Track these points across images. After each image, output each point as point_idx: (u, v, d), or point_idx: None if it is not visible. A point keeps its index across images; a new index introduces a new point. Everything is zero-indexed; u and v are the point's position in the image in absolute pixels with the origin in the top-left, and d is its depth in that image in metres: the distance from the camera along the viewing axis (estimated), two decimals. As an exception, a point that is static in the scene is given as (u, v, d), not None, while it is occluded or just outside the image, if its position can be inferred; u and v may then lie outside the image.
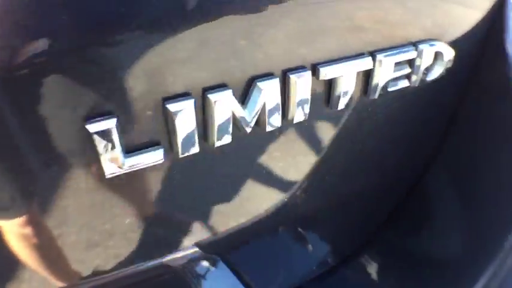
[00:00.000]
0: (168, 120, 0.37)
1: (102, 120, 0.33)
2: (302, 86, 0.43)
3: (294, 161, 0.52)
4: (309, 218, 0.68)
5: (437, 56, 0.53)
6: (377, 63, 0.48)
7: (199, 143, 0.39)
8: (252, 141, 0.45)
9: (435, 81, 0.55)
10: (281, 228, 0.67)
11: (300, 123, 0.46)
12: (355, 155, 0.59)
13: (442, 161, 0.71)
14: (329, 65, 0.44)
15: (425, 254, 0.72)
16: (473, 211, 0.67)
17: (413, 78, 0.53)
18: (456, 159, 0.69)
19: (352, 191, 0.66)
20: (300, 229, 0.69)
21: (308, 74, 0.43)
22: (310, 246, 0.72)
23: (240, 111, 0.40)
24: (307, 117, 0.45)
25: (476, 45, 0.57)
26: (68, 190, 0.36)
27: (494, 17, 0.55)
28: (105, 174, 0.35)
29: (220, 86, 0.38)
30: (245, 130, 0.41)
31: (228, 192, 0.49)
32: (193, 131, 0.38)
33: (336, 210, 0.69)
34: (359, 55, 0.47)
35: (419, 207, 0.75)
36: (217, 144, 0.40)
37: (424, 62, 0.52)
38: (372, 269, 0.76)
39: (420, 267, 0.71)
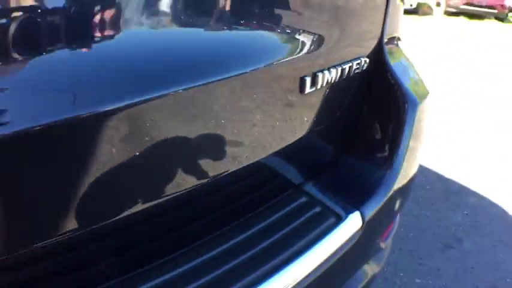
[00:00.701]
0: (317, 82, 1.31)
1: (307, 77, 1.26)
2: (327, 77, 1.41)
3: (315, 102, 1.50)
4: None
5: (364, 62, 1.58)
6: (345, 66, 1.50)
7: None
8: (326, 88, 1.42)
9: (362, 73, 1.60)
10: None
11: (324, 86, 1.43)
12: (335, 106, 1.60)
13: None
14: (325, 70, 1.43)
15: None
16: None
17: (356, 71, 1.57)
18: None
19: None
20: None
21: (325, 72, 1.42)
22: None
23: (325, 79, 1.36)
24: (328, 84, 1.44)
25: (375, 59, 1.65)
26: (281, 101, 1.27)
27: (378, 47, 1.64)
28: (305, 91, 1.27)
29: (322, 70, 1.34)
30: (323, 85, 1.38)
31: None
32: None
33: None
34: (340, 64, 1.48)
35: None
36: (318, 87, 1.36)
37: (361, 64, 1.56)
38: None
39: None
